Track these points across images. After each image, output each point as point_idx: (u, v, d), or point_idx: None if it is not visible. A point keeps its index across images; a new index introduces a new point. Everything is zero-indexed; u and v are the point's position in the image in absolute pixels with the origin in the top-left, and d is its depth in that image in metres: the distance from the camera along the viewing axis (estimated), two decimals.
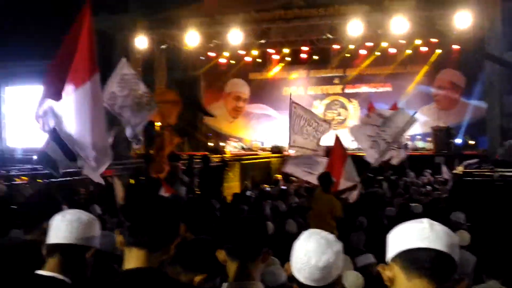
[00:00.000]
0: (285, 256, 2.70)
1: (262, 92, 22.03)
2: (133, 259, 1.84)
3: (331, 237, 1.91)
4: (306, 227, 6.58)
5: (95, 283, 2.13)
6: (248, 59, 21.20)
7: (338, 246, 1.89)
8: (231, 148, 20.88)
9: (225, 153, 18.72)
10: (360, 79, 20.65)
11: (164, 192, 6.78)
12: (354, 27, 15.67)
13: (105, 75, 6.17)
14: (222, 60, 21.38)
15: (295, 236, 1.97)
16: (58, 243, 2.11)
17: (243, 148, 20.98)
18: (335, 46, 19.52)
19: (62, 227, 2.12)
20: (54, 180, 7.90)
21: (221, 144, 21.18)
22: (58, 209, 2.33)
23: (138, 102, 6.93)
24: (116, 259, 3.27)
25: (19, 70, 24.37)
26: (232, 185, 13.40)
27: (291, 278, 1.90)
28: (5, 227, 4.10)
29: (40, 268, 2.12)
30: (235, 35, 16.85)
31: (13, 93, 25.16)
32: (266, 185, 13.75)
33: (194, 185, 11.03)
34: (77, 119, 4.86)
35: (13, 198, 7.58)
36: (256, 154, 18.77)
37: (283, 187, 12.50)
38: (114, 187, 5.85)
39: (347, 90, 20.99)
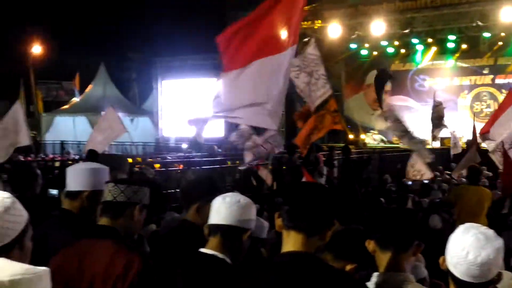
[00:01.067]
0: (428, 251, 2.65)
1: (404, 83, 21.33)
2: (290, 242, 1.94)
3: (490, 232, 1.85)
4: (452, 223, 6.32)
5: (249, 264, 2.29)
6: (390, 50, 20.61)
7: (499, 242, 1.82)
8: (370, 140, 20.56)
9: (365, 146, 18.49)
10: None
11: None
12: (507, 13, 14.45)
13: None
14: (363, 52, 21.07)
15: (439, 231, 1.94)
16: (218, 224, 2.31)
17: (382, 141, 20.53)
18: (486, 34, 18.17)
19: (222, 209, 2.31)
20: (205, 167, 8.48)
21: (361, 136, 20.95)
22: (216, 193, 2.53)
23: (315, 82, 7.30)
24: (262, 242, 3.46)
25: (174, 64, 26.40)
26: (371, 177, 13.24)
27: (445, 272, 1.88)
28: (159, 210, 4.49)
29: (201, 247, 2.35)
30: (378, 26, 16.51)
31: (168, 86, 27.38)
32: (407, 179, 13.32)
33: (333, 176, 11.14)
34: (258, 84, 5.11)
35: (167, 183, 8.33)
36: (397, 147, 18.25)
37: (425, 181, 12.02)
38: (261, 175, 6.13)
39: (497, 81, 19.45)
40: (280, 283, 1.89)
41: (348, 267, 2.22)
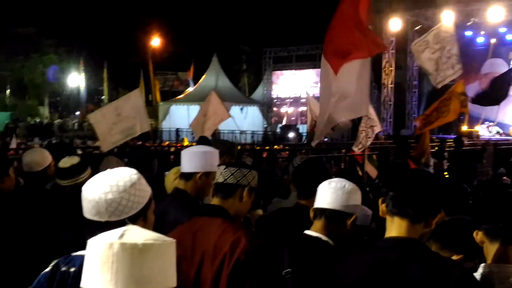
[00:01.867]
0: None
1: None
2: (395, 228, 1.95)
3: None
4: None
5: (352, 248, 2.32)
6: (510, 37, 19.15)
7: None
8: (485, 132, 19.35)
9: (478, 137, 17.46)
10: None
11: None
12: None
13: None
14: (479, 39, 19.79)
15: None
16: (323, 208, 2.37)
17: (498, 133, 19.23)
18: None
19: (327, 194, 2.37)
20: (312, 156, 8.52)
21: (476, 128, 19.80)
22: (326, 178, 2.58)
23: (446, 61, 7.27)
24: (365, 230, 3.44)
25: (283, 54, 26.68)
26: (485, 171, 12.49)
27: None
28: (266, 196, 4.60)
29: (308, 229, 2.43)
30: (496, 12, 15.38)
31: (277, 76, 27.84)
32: None
33: (442, 168, 10.72)
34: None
35: (274, 171, 8.50)
36: None
37: None
38: (366, 169, 6.05)
39: None
40: (383, 267, 1.91)
41: (454, 257, 2.17)
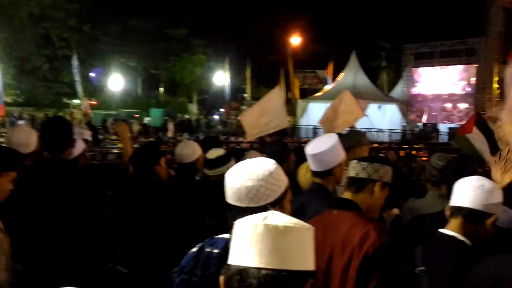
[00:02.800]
0: None
1: None
2: None
3: None
4: None
5: (491, 250, 2.24)
6: None
7: None
8: None
9: None
10: None
11: None
12: None
13: None
14: None
15: None
16: (461, 206, 2.31)
17: None
18: None
19: (466, 192, 2.30)
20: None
21: None
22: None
23: None
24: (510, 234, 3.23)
25: (424, 50, 25.55)
26: None
27: None
28: (402, 195, 4.49)
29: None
30: None
31: (418, 73, 26.72)
32: None
33: None
34: None
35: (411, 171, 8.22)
36: None
37: None
38: None
39: None
40: None
41: None
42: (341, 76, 27.96)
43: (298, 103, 28.77)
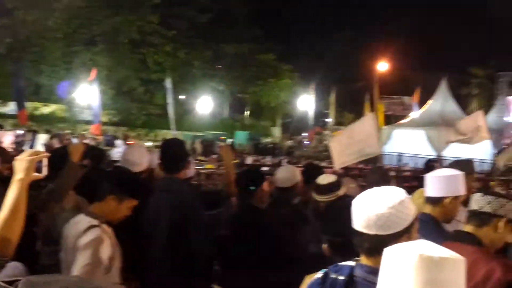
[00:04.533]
0: None
1: None
2: None
3: None
4: None
5: None
6: None
7: None
8: None
9: None
10: None
11: None
12: None
13: None
14: None
15: None
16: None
17: None
18: None
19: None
20: None
21: None
22: None
23: None
24: None
25: None
26: None
27: None
28: None
29: None
30: None
31: None
32: None
33: None
34: None
35: None
36: None
37: None
38: None
39: None
40: None
41: None
42: (429, 103, 27.22)
43: (383, 130, 28.25)
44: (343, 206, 2.07)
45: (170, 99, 20.54)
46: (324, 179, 3.64)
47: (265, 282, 3.37)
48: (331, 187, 3.57)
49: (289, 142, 35.52)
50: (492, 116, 26.88)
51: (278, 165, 13.69)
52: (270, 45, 37.21)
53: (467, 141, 8.39)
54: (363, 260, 1.87)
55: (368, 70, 31.74)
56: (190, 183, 4.34)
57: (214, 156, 22.61)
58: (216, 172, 10.48)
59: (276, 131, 41.72)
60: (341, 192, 3.58)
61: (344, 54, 39.67)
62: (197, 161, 17.13)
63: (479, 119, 8.38)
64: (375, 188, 1.90)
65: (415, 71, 33.35)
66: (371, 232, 1.79)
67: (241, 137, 31.92)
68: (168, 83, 20.93)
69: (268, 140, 35.63)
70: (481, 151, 23.92)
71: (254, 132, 35.24)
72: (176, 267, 3.43)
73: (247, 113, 42.74)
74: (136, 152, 4.35)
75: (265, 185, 3.83)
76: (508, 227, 2.45)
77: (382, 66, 31.35)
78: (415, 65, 34.29)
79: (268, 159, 22.86)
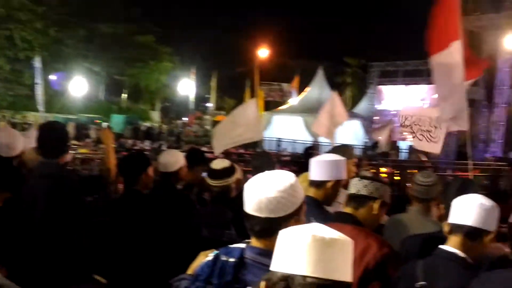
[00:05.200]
0: None
1: None
2: None
3: None
4: None
5: (492, 267, 2.31)
6: None
7: None
8: None
9: None
10: None
11: None
12: None
13: None
14: None
15: None
16: (461, 224, 2.36)
17: None
18: None
19: (466, 210, 2.35)
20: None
21: None
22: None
23: None
24: None
25: (389, 69, 26.23)
26: None
27: None
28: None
29: None
30: None
31: (383, 91, 27.41)
32: None
33: None
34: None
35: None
36: None
37: None
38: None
39: None
40: None
41: None
42: (307, 90, 28.32)
43: (263, 116, 28.91)
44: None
45: (39, 79, 19.07)
46: (219, 164, 3.60)
47: (150, 268, 3.38)
48: (226, 172, 3.54)
49: (169, 127, 35.01)
50: (364, 104, 28.70)
51: (158, 150, 13.50)
52: (150, 27, 36.19)
53: (334, 123, 8.78)
54: (254, 242, 1.89)
55: (249, 56, 32.16)
56: (68, 168, 4.03)
57: (89, 140, 21.55)
58: (92, 157, 10.02)
59: (156, 115, 40.84)
60: (235, 177, 3.59)
61: (225, 39, 39.86)
62: (71, 146, 16.14)
63: (335, 102, 8.78)
64: (266, 172, 1.89)
65: (294, 58, 34.52)
66: (262, 215, 1.80)
67: (117, 120, 30.76)
68: (37, 62, 19.43)
69: (147, 124, 34.78)
70: (354, 138, 25.44)
71: (132, 116, 34.22)
72: (55, 256, 3.35)
73: (124, 96, 41.27)
74: (9, 135, 4.06)
75: (150, 170, 3.82)
76: (383, 209, 2.69)
77: (263, 52, 31.93)
78: (294, 53, 35.47)
79: (147, 144, 22.36)
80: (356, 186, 2.68)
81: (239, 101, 28.98)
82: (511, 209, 4.93)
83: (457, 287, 2.22)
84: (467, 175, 6.83)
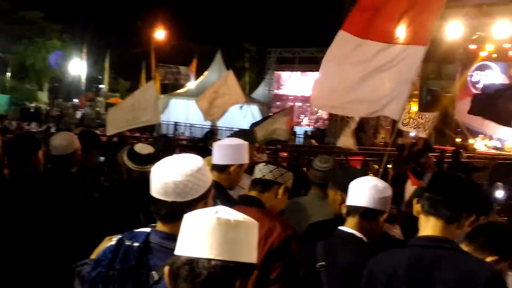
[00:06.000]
0: None
1: None
2: (430, 227, 2.10)
3: None
4: None
5: (384, 245, 2.44)
6: None
7: None
8: (482, 146, 19.62)
9: (474, 151, 17.75)
10: None
11: (410, 185, 6.67)
12: None
13: None
14: (483, 54, 20.02)
15: None
16: (357, 206, 2.47)
17: (496, 148, 19.52)
18: None
19: (361, 192, 2.47)
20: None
21: (471, 141, 20.09)
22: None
23: None
24: None
25: (287, 55, 26.80)
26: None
27: None
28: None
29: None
30: (502, 27, 15.52)
31: (279, 76, 28.02)
32: None
33: None
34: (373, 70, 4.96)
35: None
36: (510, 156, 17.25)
37: None
38: None
39: None
40: (418, 264, 2.03)
41: (489, 259, 2.28)
42: (205, 74, 28.13)
43: (160, 99, 28.32)
44: None
45: None
46: (144, 148, 3.48)
47: (45, 254, 3.21)
48: (151, 159, 3.39)
49: (58, 108, 33.13)
50: (262, 89, 29.16)
51: (46, 132, 12.76)
52: (38, 2, 33.74)
53: (226, 103, 8.75)
54: (159, 226, 1.86)
55: (145, 37, 31.19)
56: None
57: None
58: None
59: (44, 96, 38.36)
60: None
61: (120, 18, 38.29)
62: None
63: (230, 82, 8.75)
64: (174, 156, 1.87)
65: (192, 41, 34.03)
66: (169, 199, 1.78)
67: (1, 101, 28.51)
68: None
69: (34, 105, 32.60)
70: (251, 122, 25.72)
71: (17, 96, 31.88)
72: None
73: (8, 74, 38.25)
74: None
75: (40, 153, 3.59)
76: (286, 194, 2.80)
77: (160, 34, 31.12)
78: (193, 36, 34.97)
79: (33, 126, 21.11)
80: (262, 171, 2.75)
81: (134, 83, 28.16)
82: (401, 192, 5.29)
83: (354, 265, 2.33)
84: (360, 160, 7.23)
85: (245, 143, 3.22)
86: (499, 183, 12.73)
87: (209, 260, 1.26)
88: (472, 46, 19.62)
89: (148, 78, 27.65)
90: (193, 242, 1.29)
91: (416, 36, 4.84)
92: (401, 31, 4.95)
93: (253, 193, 2.75)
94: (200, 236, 1.28)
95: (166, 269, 1.33)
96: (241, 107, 26.04)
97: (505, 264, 2.31)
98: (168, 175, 1.78)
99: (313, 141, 20.40)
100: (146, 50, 29.79)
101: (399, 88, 4.88)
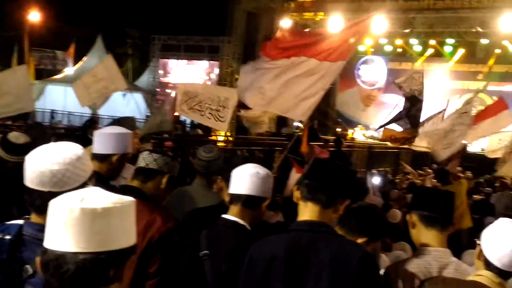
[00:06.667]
0: None
1: None
2: (308, 212, 2.17)
3: None
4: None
5: (266, 231, 2.49)
6: (388, 48, 20.88)
7: None
8: (359, 135, 20.93)
9: (353, 140, 18.90)
10: (509, 77, 19.50)
11: (295, 172, 6.95)
12: (507, 21, 14.73)
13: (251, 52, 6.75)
14: (361, 48, 21.23)
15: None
16: (239, 194, 2.50)
17: (373, 137, 20.96)
18: (483, 41, 18.57)
19: (242, 180, 2.49)
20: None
21: (350, 131, 21.33)
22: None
23: None
24: None
25: (171, 43, 26.40)
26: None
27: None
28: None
29: None
30: (380, 23, 16.56)
31: (164, 64, 27.56)
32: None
33: None
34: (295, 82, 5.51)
35: None
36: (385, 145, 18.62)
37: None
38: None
39: (490, 88, 19.73)
40: (296, 248, 2.11)
41: (359, 241, 2.43)
42: (84, 59, 26.80)
43: (35, 85, 26.51)
44: None
45: None
46: (19, 138, 3.27)
47: None
48: (27, 148, 3.11)
49: None
50: (146, 76, 28.40)
51: None
52: None
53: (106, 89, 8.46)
54: (34, 218, 1.80)
55: (17, 19, 28.92)
56: None
57: None
58: None
59: None
60: None
61: None
62: None
63: (109, 67, 8.43)
64: (51, 144, 1.77)
65: (71, 25, 32.11)
66: (45, 189, 1.69)
67: None
68: None
69: None
70: (136, 111, 25.12)
71: None
72: None
73: None
74: None
75: None
76: (171, 183, 2.71)
77: (34, 16, 29.01)
78: (71, 19, 33.01)
79: None
80: (146, 159, 2.65)
81: (5, 67, 25.97)
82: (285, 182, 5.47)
83: (237, 252, 2.34)
84: (246, 149, 7.34)
85: (129, 132, 3.12)
86: (374, 171, 13.77)
87: (76, 254, 1.19)
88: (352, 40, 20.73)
89: (21, 63, 25.75)
90: (59, 235, 1.21)
91: (337, 55, 5.54)
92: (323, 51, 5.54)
93: (135, 183, 2.64)
94: (65, 229, 1.19)
95: (38, 260, 1.27)
96: (124, 95, 25.23)
97: (377, 246, 2.47)
98: (45, 163, 1.68)
99: (199, 130, 20.37)
100: (18, 33, 27.63)
101: (310, 93, 5.45)
